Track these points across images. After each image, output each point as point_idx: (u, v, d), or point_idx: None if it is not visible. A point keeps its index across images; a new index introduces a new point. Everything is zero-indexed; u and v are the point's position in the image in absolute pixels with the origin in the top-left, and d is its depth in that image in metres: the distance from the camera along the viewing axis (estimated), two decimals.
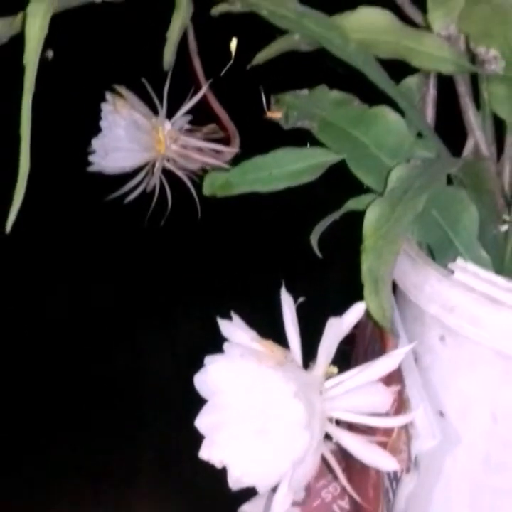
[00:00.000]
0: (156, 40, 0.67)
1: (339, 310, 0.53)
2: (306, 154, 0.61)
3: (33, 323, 1.20)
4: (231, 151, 0.76)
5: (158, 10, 0.62)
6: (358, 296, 0.50)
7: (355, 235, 0.52)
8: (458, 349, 0.55)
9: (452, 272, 0.54)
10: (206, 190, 0.62)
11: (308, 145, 0.62)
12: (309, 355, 0.53)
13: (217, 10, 0.58)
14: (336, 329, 0.50)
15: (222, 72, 0.68)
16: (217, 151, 0.77)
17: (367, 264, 0.49)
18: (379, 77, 0.56)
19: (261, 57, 0.61)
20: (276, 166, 0.60)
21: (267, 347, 0.49)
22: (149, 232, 0.78)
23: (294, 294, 0.52)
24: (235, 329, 0.51)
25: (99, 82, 0.75)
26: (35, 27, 0.40)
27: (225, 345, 0.49)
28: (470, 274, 0.54)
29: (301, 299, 0.53)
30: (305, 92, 0.64)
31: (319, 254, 0.59)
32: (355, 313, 0.51)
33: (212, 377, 0.49)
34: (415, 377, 0.57)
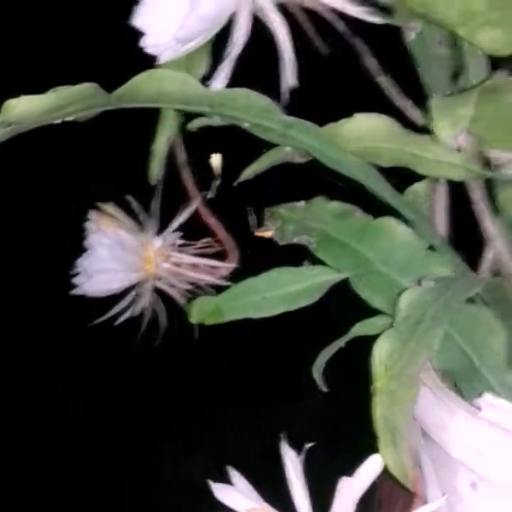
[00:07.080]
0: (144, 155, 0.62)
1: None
2: (304, 274, 0.54)
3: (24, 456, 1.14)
4: (228, 266, 0.70)
5: (143, 123, 0.58)
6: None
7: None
8: (492, 498, 0.47)
9: (479, 408, 0.47)
10: (193, 318, 0.56)
11: (306, 263, 0.55)
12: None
13: (194, 124, 0.52)
14: (349, 491, 0.42)
15: (210, 194, 0.62)
16: (213, 267, 0.71)
17: (381, 410, 0.42)
18: (382, 190, 0.50)
19: (249, 172, 0.55)
20: (269, 288, 0.54)
21: None
22: (142, 356, 0.72)
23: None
24: (229, 492, 0.43)
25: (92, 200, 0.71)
26: None
27: None
28: (500, 411, 0.46)
29: (308, 445, 0.46)
30: (302, 204, 0.58)
31: (324, 388, 0.52)
32: (370, 470, 0.43)
33: None
34: None
